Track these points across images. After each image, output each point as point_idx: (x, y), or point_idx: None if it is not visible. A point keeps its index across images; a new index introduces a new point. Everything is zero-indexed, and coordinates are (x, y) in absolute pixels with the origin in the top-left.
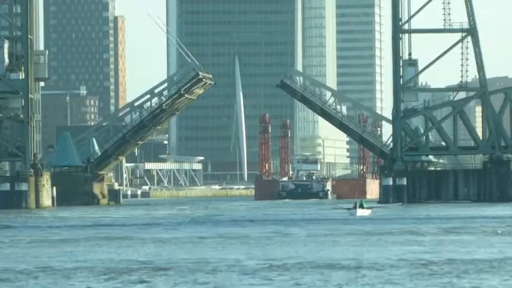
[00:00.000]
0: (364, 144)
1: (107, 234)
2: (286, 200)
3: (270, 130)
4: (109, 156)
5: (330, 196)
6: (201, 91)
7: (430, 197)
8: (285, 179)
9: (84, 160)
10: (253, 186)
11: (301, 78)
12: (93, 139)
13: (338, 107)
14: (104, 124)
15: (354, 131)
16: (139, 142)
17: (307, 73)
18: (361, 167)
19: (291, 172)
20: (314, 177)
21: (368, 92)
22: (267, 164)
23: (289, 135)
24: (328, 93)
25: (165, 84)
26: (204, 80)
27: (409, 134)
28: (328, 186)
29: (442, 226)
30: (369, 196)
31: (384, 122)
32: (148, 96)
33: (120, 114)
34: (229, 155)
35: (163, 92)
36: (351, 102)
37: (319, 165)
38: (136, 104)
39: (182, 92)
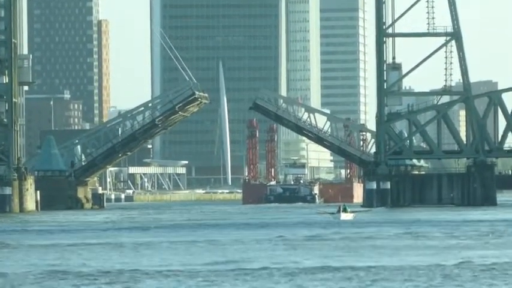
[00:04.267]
0: (342, 155)
1: None
2: (274, 203)
3: (257, 135)
4: (96, 164)
5: (317, 200)
6: (195, 109)
7: (414, 201)
8: (273, 183)
9: (68, 164)
10: (238, 190)
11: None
12: (78, 146)
13: (314, 121)
14: (95, 132)
15: (331, 143)
16: (128, 153)
17: (291, 77)
18: (348, 171)
19: (279, 176)
20: (301, 181)
21: (352, 96)
22: (254, 168)
23: (275, 139)
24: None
25: (160, 99)
26: (199, 99)
27: (393, 138)
28: (316, 190)
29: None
30: (356, 200)
31: (367, 126)
32: (141, 108)
33: (113, 123)
34: (213, 159)
35: (157, 107)
36: (326, 116)
37: (306, 170)
38: (129, 115)
39: (177, 109)
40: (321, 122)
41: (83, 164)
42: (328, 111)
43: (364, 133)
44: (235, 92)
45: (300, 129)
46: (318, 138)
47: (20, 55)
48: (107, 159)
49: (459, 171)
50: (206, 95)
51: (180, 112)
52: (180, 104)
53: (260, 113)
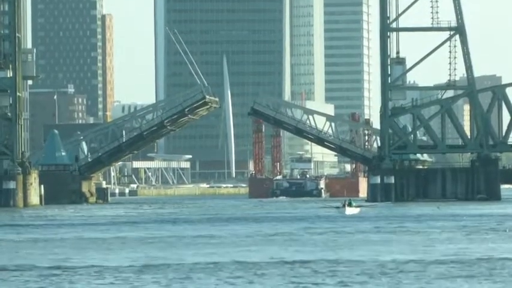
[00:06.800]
0: (344, 154)
1: None
2: (281, 197)
3: (263, 129)
4: (102, 162)
5: (323, 194)
6: (204, 113)
7: (418, 196)
8: (280, 177)
9: (73, 159)
10: (242, 184)
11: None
12: (83, 143)
13: (313, 123)
14: (102, 128)
15: (332, 143)
16: (134, 152)
17: (295, 72)
18: (353, 166)
19: (285, 171)
20: (308, 176)
21: (356, 91)
22: (260, 163)
23: (280, 134)
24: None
25: (170, 101)
26: (209, 103)
27: (397, 133)
28: (322, 184)
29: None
30: (361, 194)
31: (372, 121)
32: (150, 109)
33: (121, 121)
34: (217, 154)
35: (166, 108)
36: (325, 117)
37: (312, 164)
38: (137, 114)
39: (186, 112)
40: (322, 121)
41: (89, 160)
42: (331, 106)
43: (367, 131)
44: (239, 86)
45: (300, 131)
46: (319, 140)
47: (24, 49)
48: (113, 157)
49: (463, 166)
50: (217, 99)
51: (189, 115)
52: (190, 108)
53: (259, 118)
